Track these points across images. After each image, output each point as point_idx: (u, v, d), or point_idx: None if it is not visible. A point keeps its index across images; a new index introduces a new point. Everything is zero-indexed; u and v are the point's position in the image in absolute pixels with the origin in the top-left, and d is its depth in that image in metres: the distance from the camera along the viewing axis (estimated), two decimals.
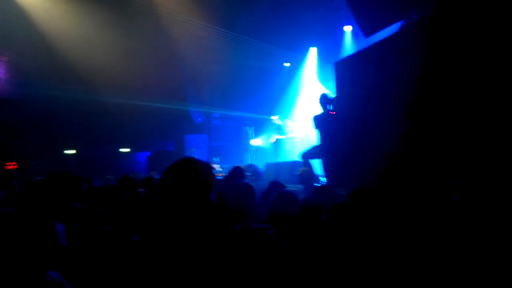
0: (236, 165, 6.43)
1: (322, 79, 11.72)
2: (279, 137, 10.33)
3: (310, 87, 12.08)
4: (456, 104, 3.87)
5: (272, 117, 10.76)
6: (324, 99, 6.03)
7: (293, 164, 7.00)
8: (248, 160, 12.23)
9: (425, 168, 4.05)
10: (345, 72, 5.70)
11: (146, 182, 5.25)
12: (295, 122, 11.17)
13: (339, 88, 5.82)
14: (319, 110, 6.23)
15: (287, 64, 12.93)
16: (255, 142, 12.94)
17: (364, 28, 5.62)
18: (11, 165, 10.56)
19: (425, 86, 4.24)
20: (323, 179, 6.25)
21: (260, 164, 10.30)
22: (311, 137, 10.82)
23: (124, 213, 3.14)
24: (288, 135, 10.47)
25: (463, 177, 3.30)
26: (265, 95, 12.46)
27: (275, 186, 3.78)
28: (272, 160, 10.10)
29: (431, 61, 4.21)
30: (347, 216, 1.55)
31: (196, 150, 12.28)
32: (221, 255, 1.30)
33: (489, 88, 3.54)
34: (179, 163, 1.45)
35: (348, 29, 10.57)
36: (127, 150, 13.67)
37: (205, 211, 1.37)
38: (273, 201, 3.09)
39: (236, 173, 4.51)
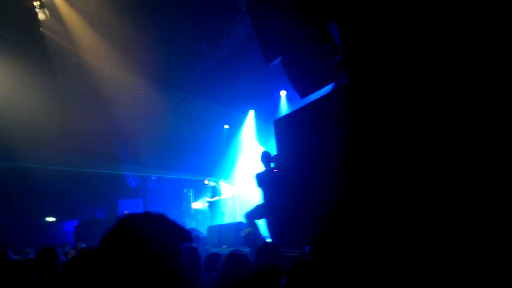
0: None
1: (261, 140, 12.05)
2: (212, 199, 10.13)
3: (249, 148, 12.29)
4: (383, 160, 4.13)
5: (205, 180, 10.62)
6: (265, 157, 6.07)
7: (238, 225, 6.75)
8: (188, 224, 11.65)
9: (366, 221, 4.12)
10: (284, 130, 5.87)
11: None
12: (229, 183, 11.06)
13: (279, 145, 5.93)
14: (260, 168, 6.23)
15: (226, 126, 13.16)
16: (195, 205, 12.50)
17: (299, 90, 5.95)
18: None
19: (355, 143, 4.50)
20: (269, 240, 6.06)
21: (201, 228, 9.84)
22: (249, 197, 10.83)
23: None
24: (222, 197, 10.33)
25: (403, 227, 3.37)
26: (204, 156, 12.37)
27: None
28: (212, 223, 9.72)
29: (358, 119, 4.53)
30: (312, 275, 1.41)
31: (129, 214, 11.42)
32: None
33: (413, 142, 3.86)
34: (114, 231, 1.02)
35: (283, 93, 11.23)
36: (53, 219, 12.30)
37: None
38: (224, 264, 2.86)
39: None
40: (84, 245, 6.86)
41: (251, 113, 12.50)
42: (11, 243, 8.95)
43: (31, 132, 9.35)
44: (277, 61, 6.20)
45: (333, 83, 5.75)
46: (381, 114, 4.22)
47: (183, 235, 1.04)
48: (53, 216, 12.55)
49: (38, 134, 9.48)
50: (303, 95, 5.96)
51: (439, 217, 3.32)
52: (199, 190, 12.49)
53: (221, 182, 10.76)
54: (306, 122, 5.34)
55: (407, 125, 3.94)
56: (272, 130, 11.17)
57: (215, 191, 10.30)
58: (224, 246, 6.69)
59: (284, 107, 11.18)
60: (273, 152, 6.35)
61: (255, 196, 10.41)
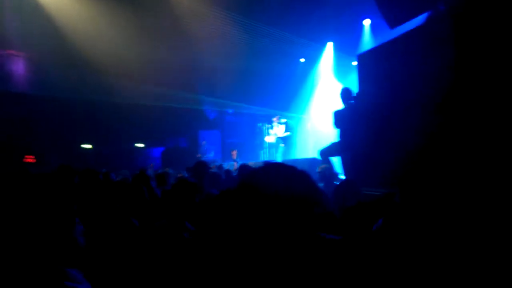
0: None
1: (338, 74, 11.51)
2: (284, 135, 10.25)
3: (326, 83, 11.88)
4: (484, 101, 3.66)
5: (274, 118, 10.67)
6: (345, 94, 5.81)
7: (312, 161, 6.83)
8: (261, 157, 12.11)
9: (455, 169, 3.83)
10: (369, 65, 5.49)
11: (161, 177, 5.17)
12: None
13: (362, 81, 5.61)
14: (339, 105, 6.02)
15: (302, 60, 12.73)
16: (268, 139, 12.82)
17: (389, 19, 5.38)
18: (30, 159, 10.64)
19: (454, 81, 4.03)
20: (343, 177, 6.06)
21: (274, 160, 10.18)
22: (323, 132, 10.71)
23: (146, 208, 3.05)
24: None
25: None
26: (280, 90, 12.31)
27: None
28: (286, 157, 9.96)
29: (460, 54, 4.00)
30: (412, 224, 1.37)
31: (208, 145, 12.22)
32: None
33: None
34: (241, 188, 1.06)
35: (367, 23, 10.32)
36: (142, 145, 13.67)
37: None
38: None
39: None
40: (170, 170, 7.59)
41: (330, 46, 11.83)
42: (109, 164, 10.25)
43: (123, 69, 10.13)
44: None
45: (429, 12, 5.09)
46: (487, 50, 3.65)
47: (318, 202, 1.08)
48: (143, 143, 13.89)
49: (129, 70, 10.25)
50: (393, 25, 5.39)
51: None
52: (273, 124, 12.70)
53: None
54: (395, 57, 4.90)
55: None
56: (350, 64, 10.60)
57: (286, 127, 10.41)
58: None
59: (367, 39, 10.34)
60: (353, 88, 6.05)
61: (329, 132, 10.28)
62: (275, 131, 10.74)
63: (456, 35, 4.07)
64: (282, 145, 10.53)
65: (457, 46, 3.94)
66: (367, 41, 10.13)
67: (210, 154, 12.26)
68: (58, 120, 11.30)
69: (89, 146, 12.61)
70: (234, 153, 10.49)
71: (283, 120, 10.52)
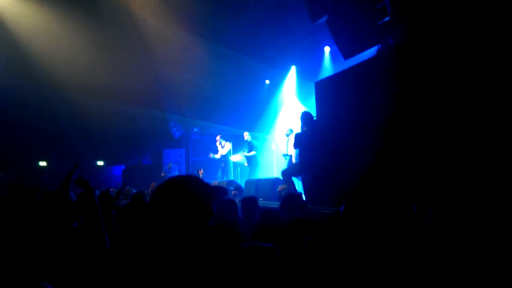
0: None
1: (301, 97, 11.99)
2: (249, 154, 10.45)
3: (290, 105, 12.31)
4: (431, 127, 4.06)
5: (245, 134, 10.89)
6: (305, 117, 6.15)
7: (274, 181, 7.05)
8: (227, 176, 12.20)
9: (398, 191, 4.16)
10: (325, 92, 5.86)
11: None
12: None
13: (319, 107, 5.96)
14: (299, 128, 6.34)
15: (267, 82, 13.16)
16: (234, 158, 12.97)
17: (343, 51, 5.83)
18: None
19: (402, 109, 4.43)
20: (303, 196, 6.32)
21: (239, 180, 10.34)
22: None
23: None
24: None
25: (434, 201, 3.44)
26: (245, 111, 12.59)
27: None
28: (250, 177, 10.13)
29: (406, 84, 4.42)
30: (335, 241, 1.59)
31: (174, 165, 12.16)
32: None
33: (464, 110, 3.75)
34: (166, 183, 1.36)
35: (327, 49, 10.92)
36: (102, 163, 13.36)
37: (200, 237, 1.31)
38: (259, 218, 3.14)
39: (219, 192, 4.54)
40: (134, 190, 7.51)
41: (293, 69, 12.35)
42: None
43: (86, 84, 9.99)
44: (322, 19, 6.04)
45: (379, 45, 5.57)
46: (431, 81, 4.07)
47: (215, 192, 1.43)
48: (103, 160, 13.57)
49: (94, 85, 10.12)
50: (347, 56, 5.84)
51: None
52: (238, 143, 12.86)
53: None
54: (349, 85, 5.29)
55: (458, 92, 3.79)
56: (312, 87, 11.12)
57: (251, 146, 10.62)
58: (260, 199, 7.07)
59: (327, 64, 10.92)
60: (313, 111, 6.40)
61: (291, 153, 10.61)
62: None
63: (398, 67, 4.50)
64: (245, 164, 10.69)
65: (399, 77, 4.36)
66: (328, 66, 10.70)
67: (174, 173, 12.19)
68: (11, 134, 10.88)
69: (44, 163, 12.16)
70: (201, 172, 10.54)
71: (249, 139, 10.74)
